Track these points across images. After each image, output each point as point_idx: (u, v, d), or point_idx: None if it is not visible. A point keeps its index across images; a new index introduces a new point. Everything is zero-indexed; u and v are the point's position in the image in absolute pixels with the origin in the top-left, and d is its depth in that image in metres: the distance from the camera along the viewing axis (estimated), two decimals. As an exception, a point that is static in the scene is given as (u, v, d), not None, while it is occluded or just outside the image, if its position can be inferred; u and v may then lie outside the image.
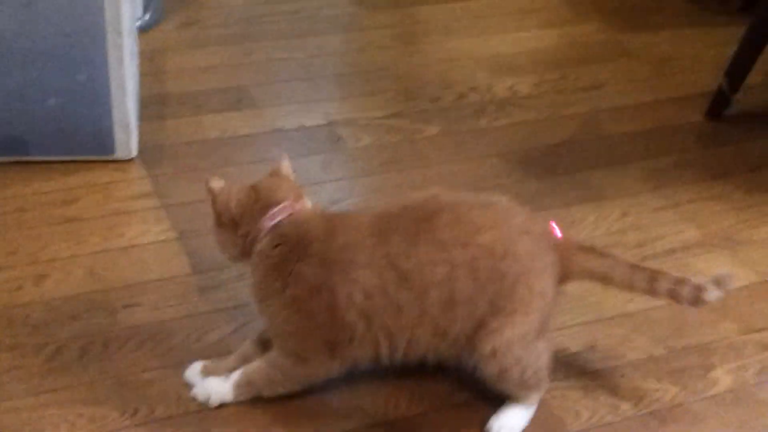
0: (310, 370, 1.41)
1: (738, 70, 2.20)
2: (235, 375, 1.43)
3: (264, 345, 1.46)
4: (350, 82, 2.36)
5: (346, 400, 1.46)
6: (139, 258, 1.72)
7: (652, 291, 1.41)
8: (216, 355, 1.51)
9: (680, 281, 1.39)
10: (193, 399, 1.44)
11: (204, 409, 1.43)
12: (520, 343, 1.36)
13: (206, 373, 1.46)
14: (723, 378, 1.55)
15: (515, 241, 1.36)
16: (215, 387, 1.43)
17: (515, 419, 1.42)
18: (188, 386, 1.45)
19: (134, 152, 1.97)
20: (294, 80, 2.33)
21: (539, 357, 1.40)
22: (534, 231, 1.40)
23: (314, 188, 1.88)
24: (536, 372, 1.40)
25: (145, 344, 1.53)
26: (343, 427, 1.42)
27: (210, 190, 1.42)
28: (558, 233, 1.45)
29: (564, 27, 2.67)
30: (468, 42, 2.56)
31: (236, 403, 1.43)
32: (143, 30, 2.43)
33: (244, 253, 1.41)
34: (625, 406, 1.48)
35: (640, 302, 1.69)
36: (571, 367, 1.55)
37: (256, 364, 1.43)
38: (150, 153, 2.00)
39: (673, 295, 1.40)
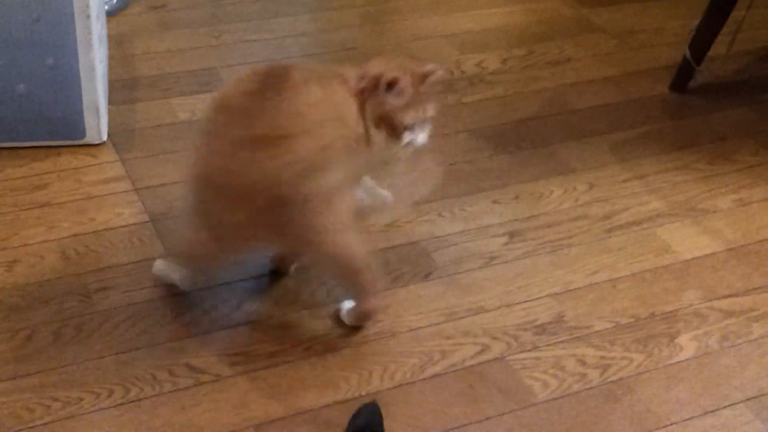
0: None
1: (701, 43, 2.22)
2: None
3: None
4: (320, 62, 2.37)
5: (318, 377, 1.49)
6: (111, 242, 1.73)
7: None
8: (188, 337, 1.53)
9: None
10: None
11: (178, 389, 1.45)
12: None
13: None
14: (688, 345, 1.58)
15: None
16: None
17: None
18: (162, 367, 1.48)
19: (104, 136, 1.98)
20: (263, 61, 2.33)
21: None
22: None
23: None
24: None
25: (119, 327, 1.55)
26: (317, 403, 1.44)
27: None
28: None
29: (530, 3, 2.69)
30: (436, 20, 2.57)
31: (210, 382, 1.45)
32: (111, 14, 2.43)
33: None
34: (593, 375, 1.51)
35: (606, 273, 1.72)
36: (539, 338, 1.58)
37: None
38: (120, 137, 2.01)
39: None
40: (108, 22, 2.25)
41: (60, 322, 1.55)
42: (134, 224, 1.77)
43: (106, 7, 2.35)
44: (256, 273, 1.67)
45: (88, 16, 1.83)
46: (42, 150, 1.94)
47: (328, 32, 2.51)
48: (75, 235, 1.74)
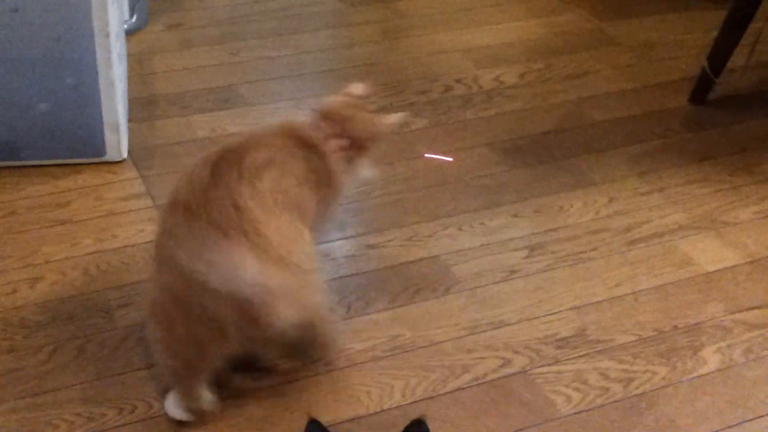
0: None
1: (720, 55, 2.22)
2: None
3: None
4: (337, 78, 2.37)
5: (340, 392, 1.48)
6: (133, 258, 1.73)
7: None
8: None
9: None
10: None
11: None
12: None
13: None
14: (711, 358, 1.57)
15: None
16: None
17: None
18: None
19: (125, 154, 1.99)
20: (281, 78, 2.34)
21: None
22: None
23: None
24: None
25: (141, 342, 1.55)
26: (339, 418, 1.44)
27: None
28: None
29: (548, 17, 2.69)
30: (453, 34, 2.58)
31: (231, 397, 1.45)
32: (130, 33, 2.44)
33: None
34: (616, 389, 1.51)
35: (628, 286, 1.71)
36: (561, 351, 1.57)
37: None
38: (140, 154, 2.02)
39: None
40: (127, 40, 2.27)
41: (82, 339, 1.55)
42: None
43: (125, 26, 2.37)
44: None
45: (108, 35, 1.85)
46: (63, 168, 1.95)
47: (346, 48, 2.52)
48: (97, 251, 1.74)
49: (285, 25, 2.59)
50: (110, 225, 1.81)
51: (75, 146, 1.95)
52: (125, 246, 1.76)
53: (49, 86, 1.88)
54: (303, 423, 1.42)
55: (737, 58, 2.25)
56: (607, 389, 1.50)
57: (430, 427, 1.20)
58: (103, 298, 1.64)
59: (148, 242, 1.77)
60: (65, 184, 1.91)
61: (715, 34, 2.23)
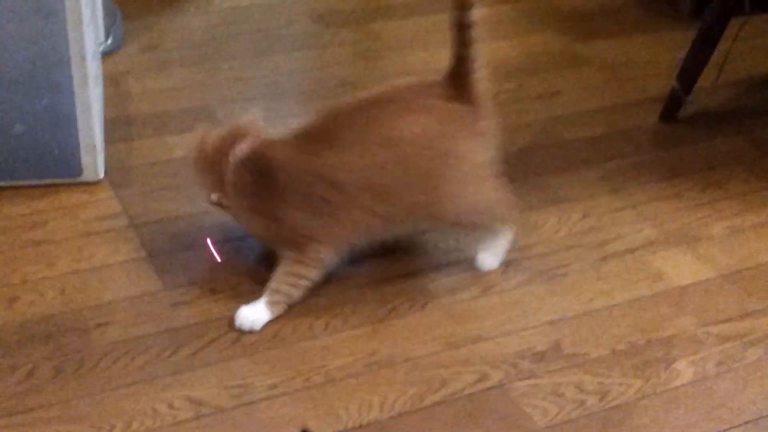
0: (308, 256, 1.64)
1: (689, 74, 2.26)
2: (263, 296, 1.64)
3: None
4: (313, 99, 2.39)
5: (318, 407, 1.49)
6: (110, 277, 1.74)
7: None
8: (188, 370, 1.54)
9: None
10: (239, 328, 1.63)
11: (179, 422, 1.45)
12: None
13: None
14: (685, 370, 1.59)
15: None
16: (249, 313, 1.63)
17: None
18: (162, 400, 1.48)
19: (101, 174, 1.99)
20: (257, 98, 2.36)
21: None
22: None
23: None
24: None
25: (119, 361, 1.55)
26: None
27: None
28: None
29: (518, 38, 2.72)
30: (426, 55, 2.60)
31: (210, 414, 1.46)
32: (106, 54, 2.45)
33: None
34: (591, 401, 1.52)
35: (602, 300, 1.73)
36: (537, 365, 1.58)
37: (274, 276, 1.65)
38: (117, 174, 2.02)
39: None
40: (103, 62, 2.28)
41: (60, 358, 1.55)
42: (132, 260, 1.78)
43: (101, 48, 2.38)
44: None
45: (84, 57, 1.86)
46: (40, 188, 1.95)
47: (321, 69, 2.54)
48: (74, 271, 1.74)
49: (261, 46, 2.60)
50: (87, 245, 1.82)
51: (51, 167, 1.95)
52: (102, 265, 1.77)
53: (25, 108, 1.88)
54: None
55: (706, 78, 2.29)
56: (583, 402, 1.52)
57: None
58: (81, 318, 1.64)
59: (124, 261, 1.78)
60: (41, 205, 1.92)
61: (683, 54, 2.27)
